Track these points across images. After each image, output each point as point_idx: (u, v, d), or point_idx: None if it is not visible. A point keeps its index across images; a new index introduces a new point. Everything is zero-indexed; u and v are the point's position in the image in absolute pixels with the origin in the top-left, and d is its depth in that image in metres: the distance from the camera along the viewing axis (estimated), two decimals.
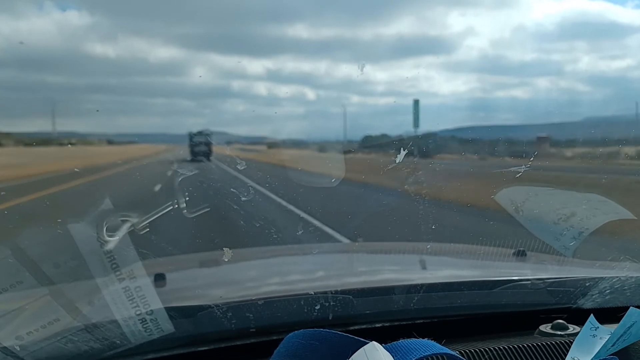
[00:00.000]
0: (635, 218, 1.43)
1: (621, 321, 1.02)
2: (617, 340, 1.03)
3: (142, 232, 1.26)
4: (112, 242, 1.11)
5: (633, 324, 1.02)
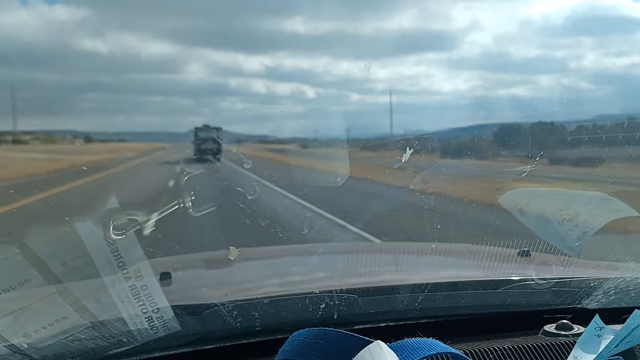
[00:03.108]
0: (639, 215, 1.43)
1: (625, 322, 1.02)
2: (620, 341, 1.03)
3: (148, 231, 1.26)
4: (119, 240, 1.12)
5: (638, 325, 1.02)
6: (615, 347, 1.03)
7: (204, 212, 1.70)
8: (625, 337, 1.03)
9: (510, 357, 1.12)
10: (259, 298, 1.26)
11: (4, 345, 1.04)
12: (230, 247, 1.50)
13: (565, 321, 1.26)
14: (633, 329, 1.03)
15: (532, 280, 1.41)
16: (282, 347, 0.94)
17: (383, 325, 1.29)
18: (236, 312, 1.20)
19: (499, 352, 1.12)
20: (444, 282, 1.45)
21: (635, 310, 1.02)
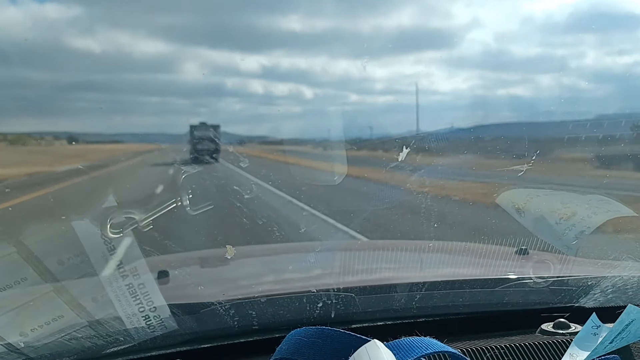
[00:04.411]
0: (637, 215, 1.42)
1: (619, 318, 1.02)
2: (615, 337, 1.03)
3: (145, 230, 1.26)
4: (116, 239, 1.12)
5: (632, 321, 1.02)
6: (610, 343, 1.03)
7: (201, 211, 1.70)
8: (619, 333, 1.03)
9: (507, 356, 1.12)
10: (256, 297, 1.26)
11: (1, 344, 1.03)
12: (227, 246, 1.49)
13: (562, 320, 1.27)
14: (627, 325, 1.03)
15: (530, 278, 1.41)
16: (279, 345, 0.93)
17: (380, 323, 1.29)
18: (233, 311, 1.20)
19: (497, 350, 1.12)
20: (441, 281, 1.45)
21: (629, 305, 1.02)
